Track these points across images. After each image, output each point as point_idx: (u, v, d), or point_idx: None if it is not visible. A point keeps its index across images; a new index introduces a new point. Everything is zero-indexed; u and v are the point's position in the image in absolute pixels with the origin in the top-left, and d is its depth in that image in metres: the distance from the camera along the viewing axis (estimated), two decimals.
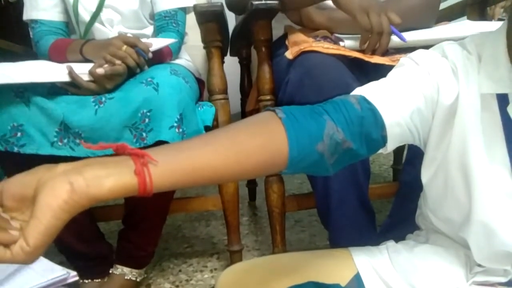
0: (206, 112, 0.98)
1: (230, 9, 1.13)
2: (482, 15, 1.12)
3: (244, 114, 1.39)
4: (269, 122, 0.44)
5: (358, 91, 0.50)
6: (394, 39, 0.81)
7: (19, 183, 0.34)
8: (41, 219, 0.32)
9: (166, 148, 0.39)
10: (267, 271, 0.57)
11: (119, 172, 0.34)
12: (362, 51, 0.83)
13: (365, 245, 0.62)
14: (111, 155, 0.37)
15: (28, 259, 0.32)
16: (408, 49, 0.82)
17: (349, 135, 0.45)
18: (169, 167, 0.37)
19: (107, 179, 0.34)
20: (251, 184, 1.66)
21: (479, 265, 0.53)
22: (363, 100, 0.48)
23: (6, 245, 0.32)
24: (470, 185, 0.49)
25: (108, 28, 1.04)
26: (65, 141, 0.82)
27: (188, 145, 0.40)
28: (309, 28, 0.92)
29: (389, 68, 0.55)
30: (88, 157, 0.79)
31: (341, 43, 0.84)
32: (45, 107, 0.81)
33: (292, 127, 0.43)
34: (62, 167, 0.34)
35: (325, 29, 0.90)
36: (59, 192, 0.32)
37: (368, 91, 0.49)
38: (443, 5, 1.10)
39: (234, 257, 1.06)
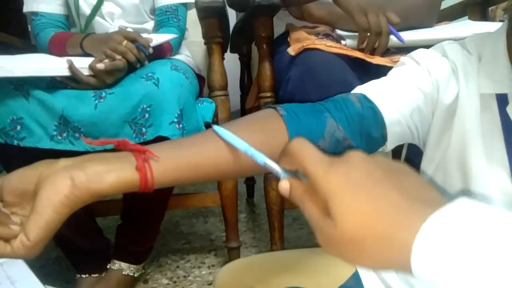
0: (206, 108, 0.98)
1: (231, 5, 1.13)
2: (484, 16, 1.12)
3: (243, 110, 1.39)
4: (270, 119, 0.44)
5: (359, 89, 0.50)
6: (394, 39, 0.81)
7: (20, 178, 0.34)
8: (42, 214, 0.31)
9: (167, 144, 0.39)
10: (265, 268, 0.57)
11: (120, 168, 0.34)
12: (363, 50, 0.83)
13: None
14: (112, 150, 0.36)
15: (28, 254, 0.32)
16: (409, 49, 0.82)
17: (349, 133, 0.46)
18: (170, 163, 0.37)
19: (108, 174, 0.33)
20: (250, 181, 1.66)
21: None
22: (363, 98, 0.48)
23: (7, 240, 0.32)
24: (469, 185, 0.49)
25: (109, 21, 1.04)
26: (65, 135, 0.82)
27: (190, 142, 0.40)
28: (310, 22, 0.92)
29: (391, 68, 0.55)
30: (87, 151, 0.79)
31: (343, 42, 0.84)
32: (44, 101, 0.81)
33: (293, 125, 0.43)
34: (63, 162, 0.34)
35: (326, 24, 0.90)
36: (60, 187, 0.32)
37: (369, 89, 0.49)
38: (444, 5, 1.10)
39: (232, 253, 1.06)
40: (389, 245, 0.25)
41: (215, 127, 0.38)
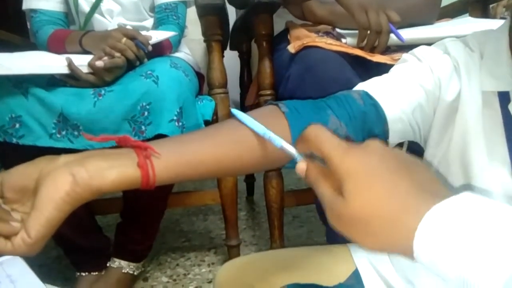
0: (206, 106, 0.98)
1: (231, 3, 1.12)
2: (484, 13, 1.12)
3: (243, 108, 1.39)
4: (272, 116, 0.43)
5: (361, 86, 0.50)
6: (394, 37, 0.81)
7: (20, 174, 0.34)
8: (42, 211, 0.31)
9: (168, 141, 0.39)
10: (266, 266, 0.57)
11: (122, 165, 0.34)
12: (363, 48, 0.82)
13: None
14: (112, 147, 0.36)
15: (29, 251, 0.32)
16: (410, 46, 0.81)
17: (352, 130, 0.45)
18: (171, 159, 0.36)
19: (109, 171, 0.33)
20: (249, 179, 1.66)
21: None
22: (365, 95, 0.48)
23: (7, 237, 0.32)
24: (470, 182, 0.49)
25: (108, 19, 1.04)
26: (64, 133, 0.82)
27: (191, 138, 0.39)
28: (311, 21, 0.92)
29: (391, 66, 0.55)
30: (86, 149, 0.79)
31: (343, 40, 0.84)
32: (43, 99, 0.81)
33: (296, 122, 0.43)
34: (64, 158, 0.34)
35: (327, 23, 0.89)
36: (61, 184, 0.32)
37: (371, 86, 0.49)
38: (445, 2, 1.10)
39: (232, 251, 1.06)
40: (394, 227, 0.27)
41: (233, 110, 0.39)
